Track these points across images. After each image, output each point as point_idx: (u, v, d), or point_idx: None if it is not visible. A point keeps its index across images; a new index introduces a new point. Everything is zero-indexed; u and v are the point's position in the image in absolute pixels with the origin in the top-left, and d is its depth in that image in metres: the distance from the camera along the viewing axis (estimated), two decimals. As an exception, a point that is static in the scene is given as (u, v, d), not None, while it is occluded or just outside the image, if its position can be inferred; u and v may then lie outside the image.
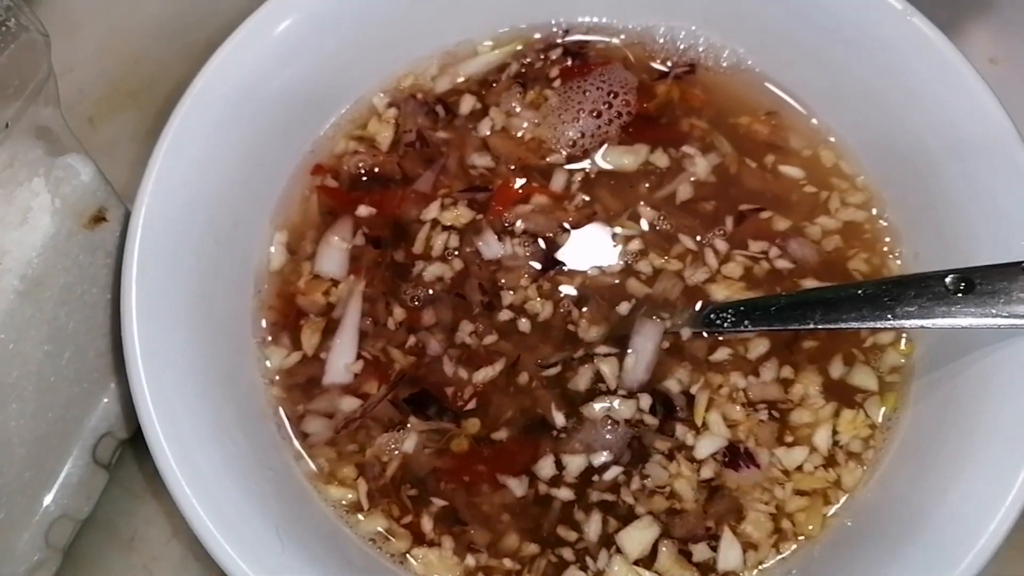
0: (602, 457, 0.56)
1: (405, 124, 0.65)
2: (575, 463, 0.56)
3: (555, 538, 0.55)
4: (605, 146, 0.64)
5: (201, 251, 0.55)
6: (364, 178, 0.63)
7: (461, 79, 0.66)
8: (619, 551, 0.54)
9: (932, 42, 0.58)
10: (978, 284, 0.51)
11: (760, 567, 0.54)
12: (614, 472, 0.56)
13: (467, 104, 0.65)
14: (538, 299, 0.60)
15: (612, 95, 0.65)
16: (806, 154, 0.64)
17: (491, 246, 0.61)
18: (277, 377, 0.59)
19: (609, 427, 0.56)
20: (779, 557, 0.55)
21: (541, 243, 0.61)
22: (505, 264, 0.61)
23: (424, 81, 0.66)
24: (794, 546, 0.55)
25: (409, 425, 0.57)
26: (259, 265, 0.61)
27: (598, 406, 0.57)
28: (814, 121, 0.65)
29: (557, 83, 0.66)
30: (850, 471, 0.56)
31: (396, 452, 0.56)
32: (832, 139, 0.64)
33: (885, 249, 0.62)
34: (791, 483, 0.56)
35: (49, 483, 0.56)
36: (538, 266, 0.61)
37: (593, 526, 0.55)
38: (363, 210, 0.62)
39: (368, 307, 0.60)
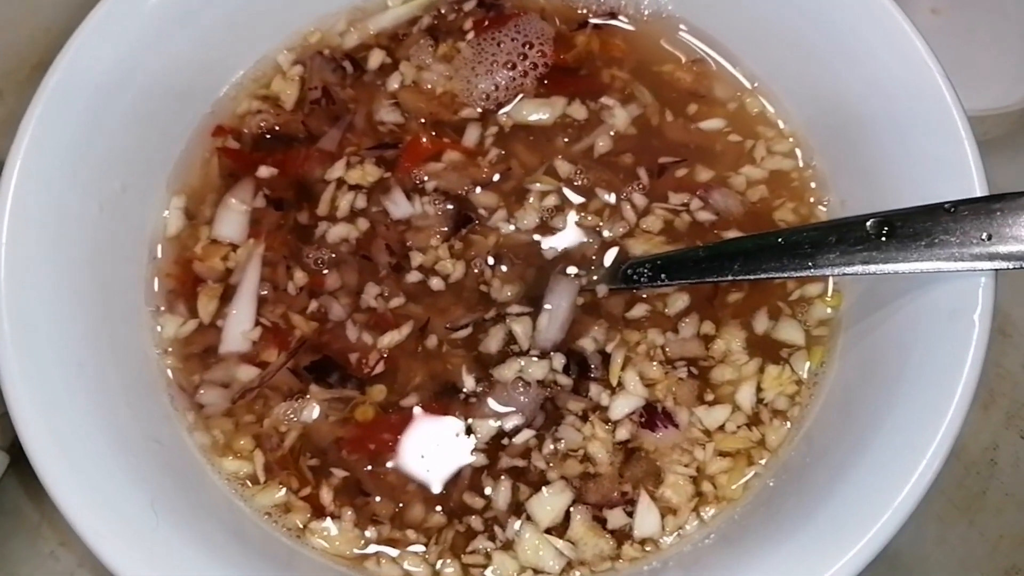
0: (513, 420, 0.54)
1: (311, 81, 0.62)
2: (485, 428, 0.54)
3: (463, 507, 0.53)
4: (520, 98, 0.62)
5: (84, 217, 0.52)
6: (267, 138, 0.61)
7: (371, 33, 0.64)
8: (529, 519, 0.52)
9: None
10: (899, 227, 0.49)
11: (679, 532, 0.52)
12: (525, 436, 0.54)
13: (376, 59, 0.63)
14: (449, 259, 0.57)
15: (527, 46, 0.63)
16: (731, 103, 0.62)
17: (399, 205, 0.59)
18: (171, 348, 0.56)
19: (521, 389, 0.54)
20: (699, 521, 0.53)
21: (451, 202, 0.59)
22: (415, 224, 0.58)
23: (332, 37, 0.64)
24: (714, 509, 0.53)
25: (309, 394, 0.54)
26: (154, 231, 0.58)
27: (510, 368, 0.55)
28: (739, 69, 0.63)
29: (470, 35, 0.63)
30: (775, 429, 0.55)
31: (295, 422, 0.54)
32: (757, 86, 0.62)
33: (812, 199, 0.60)
34: (712, 444, 0.54)
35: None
36: (448, 226, 0.58)
37: (502, 493, 0.53)
38: (265, 171, 0.60)
39: (268, 271, 0.57)
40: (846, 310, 0.56)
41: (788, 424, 0.55)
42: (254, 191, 0.59)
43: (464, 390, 0.54)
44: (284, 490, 0.53)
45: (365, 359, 0.55)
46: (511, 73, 0.62)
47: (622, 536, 0.52)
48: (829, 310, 0.57)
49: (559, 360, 0.55)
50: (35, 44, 0.75)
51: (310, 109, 0.61)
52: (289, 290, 0.57)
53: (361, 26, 0.64)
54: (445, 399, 0.54)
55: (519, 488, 0.53)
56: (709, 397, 0.55)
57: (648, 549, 0.52)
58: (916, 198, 0.51)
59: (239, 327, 0.56)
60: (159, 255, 0.58)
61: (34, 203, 0.50)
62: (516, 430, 0.54)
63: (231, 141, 0.60)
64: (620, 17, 0.64)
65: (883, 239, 0.49)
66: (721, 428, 0.54)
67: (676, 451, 0.54)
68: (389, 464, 0.53)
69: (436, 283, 0.57)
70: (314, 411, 0.54)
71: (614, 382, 0.55)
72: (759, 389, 0.55)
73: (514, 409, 0.54)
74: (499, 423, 0.54)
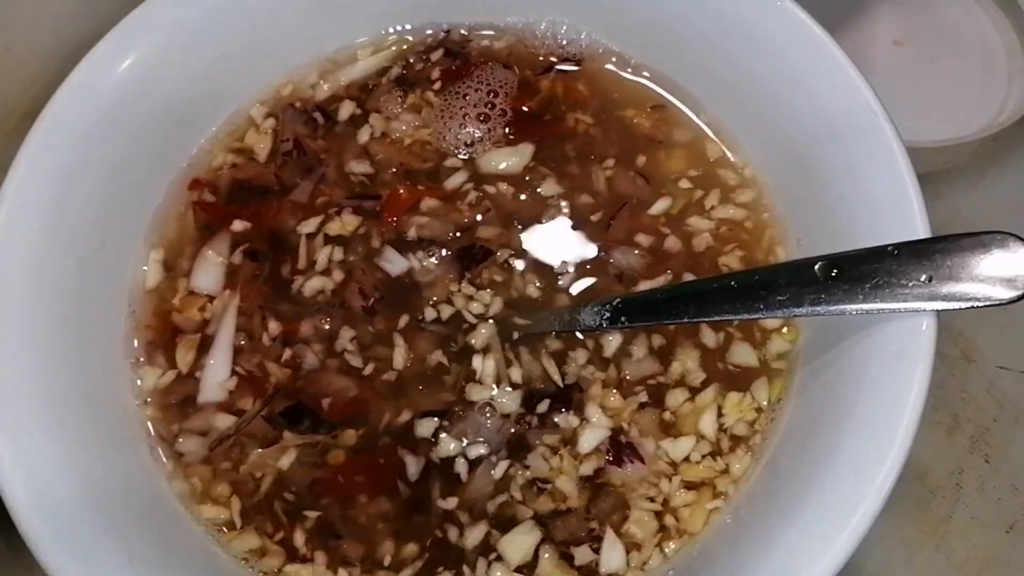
0: (481, 451, 0.56)
1: (283, 133, 0.64)
2: (456, 464, 0.56)
3: (434, 546, 0.54)
4: (489, 148, 0.63)
5: (62, 275, 0.54)
6: (242, 190, 0.63)
7: (342, 84, 0.66)
8: (499, 558, 0.54)
9: (803, 24, 0.57)
10: (847, 270, 0.50)
11: (644, 567, 0.54)
12: (499, 470, 0.55)
13: (346, 110, 0.65)
14: (482, 292, 0.59)
15: (492, 94, 0.65)
16: (689, 146, 0.64)
17: (395, 262, 0.60)
18: (150, 398, 0.58)
19: (489, 421, 0.56)
20: (661, 556, 0.54)
21: (445, 248, 0.61)
22: (421, 279, 0.60)
23: (304, 89, 0.66)
24: (675, 544, 0.54)
25: (283, 440, 0.56)
26: (133, 284, 0.60)
27: (479, 394, 0.57)
28: (698, 112, 0.65)
29: (438, 85, 0.65)
30: (739, 458, 0.56)
31: (270, 467, 0.56)
32: (716, 130, 0.64)
33: (769, 242, 0.61)
34: (678, 476, 0.56)
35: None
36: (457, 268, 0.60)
37: (473, 533, 0.54)
38: (239, 224, 0.61)
39: (244, 321, 0.59)
40: (803, 346, 0.58)
41: (750, 453, 0.56)
42: (230, 243, 0.61)
43: (435, 426, 0.56)
44: (259, 535, 0.54)
45: (336, 404, 0.57)
46: (477, 122, 0.64)
47: (588, 572, 0.53)
48: (788, 344, 0.58)
49: (523, 398, 0.57)
50: (23, 95, 0.76)
51: (282, 161, 0.63)
52: (264, 340, 0.58)
53: (332, 78, 0.66)
54: (414, 440, 0.56)
55: (490, 526, 0.54)
56: (670, 419, 0.57)
57: None
58: (866, 238, 0.53)
59: (216, 377, 0.57)
60: (137, 309, 0.59)
61: (13, 263, 0.52)
62: (486, 463, 0.55)
63: (207, 194, 0.62)
64: (582, 62, 0.66)
65: (831, 281, 0.50)
66: (687, 459, 0.56)
67: (643, 485, 0.55)
68: (360, 506, 0.55)
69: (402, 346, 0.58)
70: (287, 456, 0.56)
71: (585, 414, 0.57)
72: (720, 415, 0.57)
73: (483, 440, 0.56)
74: (468, 458, 0.56)
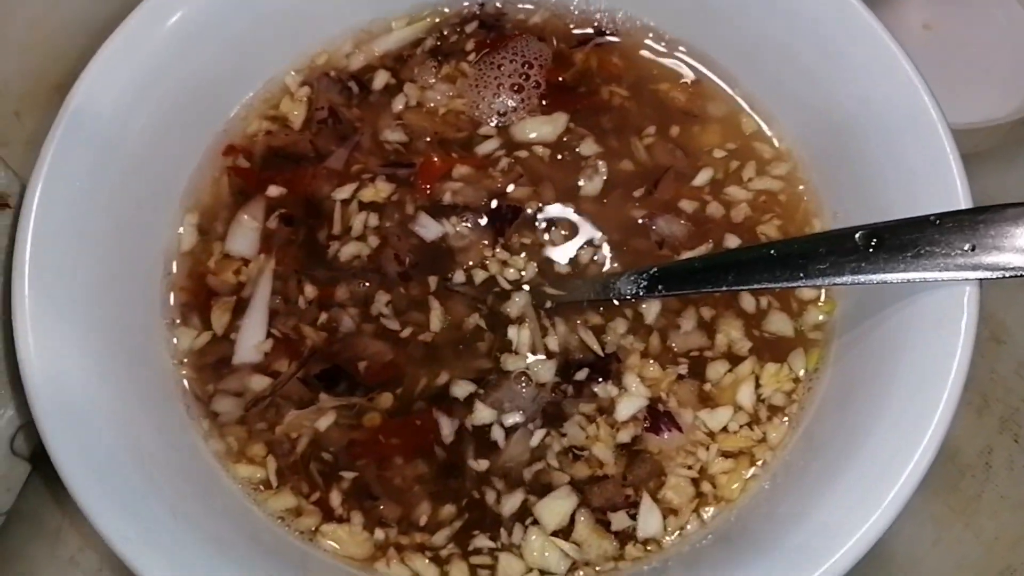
0: (516, 419, 0.56)
1: (318, 101, 0.64)
2: (493, 430, 0.56)
3: (470, 509, 0.54)
4: (524, 117, 0.63)
5: (102, 235, 0.54)
6: (276, 157, 0.63)
7: (376, 55, 0.66)
8: (536, 522, 0.54)
9: (847, 3, 0.57)
10: (887, 239, 0.51)
11: (680, 532, 0.54)
12: (538, 437, 0.55)
13: (381, 79, 0.65)
14: (516, 257, 0.60)
15: (527, 66, 0.65)
16: (724, 120, 0.64)
17: (429, 228, 0.60)
18: (186, 359, 0.58)
19: (525, 388, 0.56)
20: (699, 521, 0.54)
21: (481, 213, 0.61)
22: (454, 244, 0.60)
23: (338, 58, 0.66)
24: (713, 509, 0.54)
25: (319, 402, 0.56)
26: (169, 246, 0.60)
27: (514, 363, 0.57)
28: (733, 86, 0.65)
29: (472, 56, 0.65)
30: (775, 427, 0.56)
31: (307, 429, 0.56)
32: (752, 104, 0.64)
33: (804, 212, 0.61)
34: (716, 445, 0.56)
35: (-35, 475, 0.55)
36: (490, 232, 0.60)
37: (510, 497, 0.54)
38: (274, 190, 0.62)
39: (279, 285, 0.59)
40: (839, 317, 0.58)
41: (787, 421, 0.56)
42: (265, 208, 0.61)
43: (470, 392, 0.56)
44: (295, 495, 0.54)
45: (373, 367, 0.57)
46: (512, 93, 0.64)
47: (625, 537, 0.54)
48: (822, 316, 0.58)
49: (563, 364, 0.57)
50: (53, 68, 0.77)
51: (317, 129, 0.63)
52: (299, 304, 0.59)
53: (367, 48, 0.66)
54: (450, 403, 0.56)
55: (527, 492, 0.54)
56: (709, 391, 0.57)
57: (650, 549, 0.54)
58: (904, 211, 0.53)
59: (251, 340, 0.58)
60: (174, 270, 0.60)
61: (55, 224, 0.52)
62: (523, 431, 0.55)
63: (242, 160, 0.62)
64: (617, 36, 0.66)
65: (871, 250, 0.51)
66: (724, 429, 0.56)
67: (680, 453, 0.55)
68: (396, 468, 0.55)
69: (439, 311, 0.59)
70: (325, 419, 0.56)
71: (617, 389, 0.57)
72: (758, 385, 0.57)
73: (519, 409, 0.56)
74: (504, 425, 0.56)
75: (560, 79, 0.65)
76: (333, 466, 0.55)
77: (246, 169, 0.62)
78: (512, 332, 0.58)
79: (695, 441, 0.56)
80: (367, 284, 0.59)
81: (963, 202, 0.52)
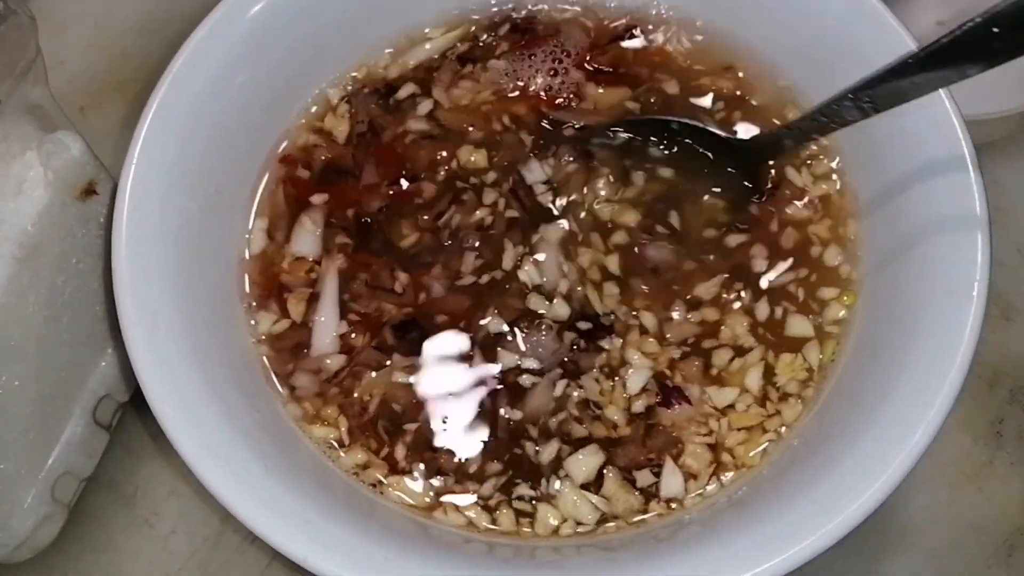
0: (535, 364, 0.60)
1: (358, 115, 0.66)
2: (521, 379, 0.60)
3: (513, 460, 0.58)
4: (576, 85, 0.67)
5: (188, 217, 0.58)
6: (326, 170, 0.65)
7: (411, 65, 0.68)
8: (568, 476, 0.57)
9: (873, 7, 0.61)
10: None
11: (700, 493, 0.57)
12: (558, 390, 0.59)
13: (408, 89, 0.68)
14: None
15: (565, 54, 0.68)
16: (767, 109, 0.66)
17: (533, 171, 0.64)
18: (264, 337, 0.61)
19: (544, 338, 0.60)
20: (718, 484, 0.57)
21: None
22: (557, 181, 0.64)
23: (376, 71, 0.68)
24: (732, 474, 0.58)
25: (390, 363, 0.59)
26: (242, 235, 0.63)
27: (536, 313, 0.61)
28: (776, 78, 0.67)
29: (505, 54, 0.68)
30: (790, 406, 0.59)
31: (377, 390, 0.59)
32: (793, 96, 0.66)
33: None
34: (727, 419, 0.59)
35: (53, 442, 0.60)
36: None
37: (547, 450, 0.58)
38: (327, 199, 0.64)
39: (347, 281, 0.62)
40: (858, 309, 0.61)
41: (801, 403, 0.59)
42: (323, 217, 0.64)
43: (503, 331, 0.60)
44: (365, 451, 0.58)
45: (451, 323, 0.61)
46: (549, 76, 0.67)
47: (649, 495, 0.57)
48: (843, 312, 0.61)
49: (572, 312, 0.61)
50: (114, 67, 0.81)
51: (358, 142, 0.66)
52: (368, 292, 0.62)
53: (402, 60, 0.68)
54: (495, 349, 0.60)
55: (561, 442, 0.58)
56: (715, 373, 0.60)
57: (673, 507, 0.57)
58: (920, 201, 0.57)
59: (328, 333, 0.61)
60: (247, 257, 0.63)
61: (146, 204, 0.56)
62: (547, 379, 0.59)
63: (300, 170, 0.65)
64: (654, 31, 0.68)
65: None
66: (732, 407, 0.59)
67: (693, 424, 0.58)
68: (452, 422, 0.59)
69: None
70: (393, 377, 0.59)
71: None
72: (772, 374, 0.59)
73: (539, 357, 0.60)
74: (526, 368, 0.60)
75: (597, 65, 0.67)
76: (398, 422, 0.59)
77: (301, 179, 0.65)
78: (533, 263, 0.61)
79: (705, 413, 0.59)
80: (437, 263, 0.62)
81: (976, 191, 0.55)
